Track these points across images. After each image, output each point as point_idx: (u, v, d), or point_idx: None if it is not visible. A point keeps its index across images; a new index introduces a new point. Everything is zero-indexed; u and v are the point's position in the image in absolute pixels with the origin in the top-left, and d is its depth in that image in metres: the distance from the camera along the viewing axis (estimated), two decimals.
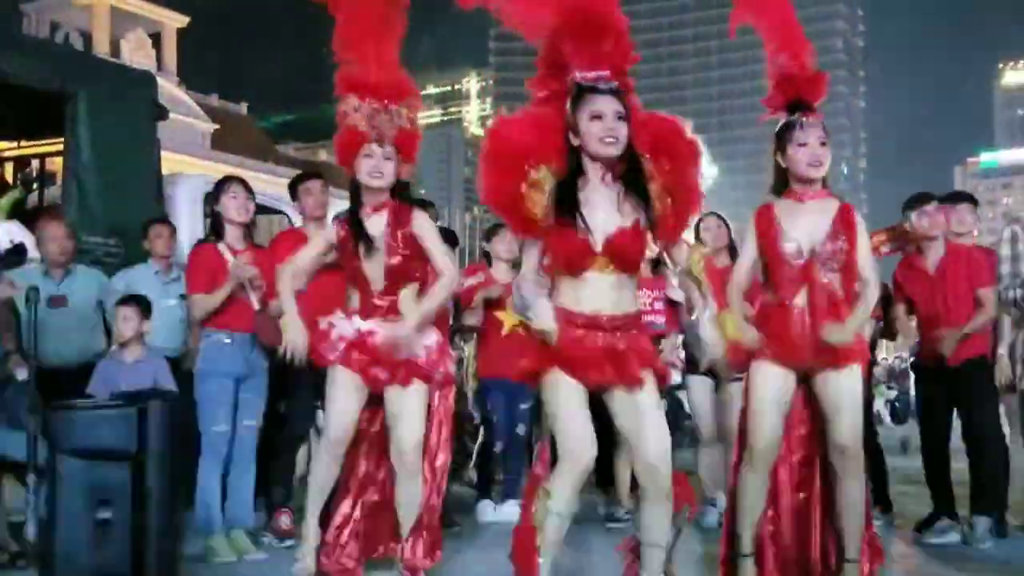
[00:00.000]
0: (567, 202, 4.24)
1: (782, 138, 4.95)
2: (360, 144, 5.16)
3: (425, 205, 8.22)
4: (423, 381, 5.26)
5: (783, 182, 5.02)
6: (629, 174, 4.31)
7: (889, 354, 31.25)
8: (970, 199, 7.78)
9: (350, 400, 5.24)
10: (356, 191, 5.26)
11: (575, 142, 4.28)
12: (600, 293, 4.29)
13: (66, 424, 5.13)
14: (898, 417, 26.09)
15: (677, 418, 10.46)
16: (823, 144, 4.88)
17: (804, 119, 4.89)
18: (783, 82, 5.02)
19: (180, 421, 5.52)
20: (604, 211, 4.28)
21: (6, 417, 5.97)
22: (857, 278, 4.88)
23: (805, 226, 4.87)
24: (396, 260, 5.19)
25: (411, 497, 5.28)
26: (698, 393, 7.82)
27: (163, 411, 5.14)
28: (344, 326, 5.22)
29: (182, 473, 5.66)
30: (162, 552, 4.82)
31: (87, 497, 4.63)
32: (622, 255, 4.27)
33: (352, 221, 5.22)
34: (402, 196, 5.35)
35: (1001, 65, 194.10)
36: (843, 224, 4.87)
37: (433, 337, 5.32)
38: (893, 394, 27.17)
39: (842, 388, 4.83)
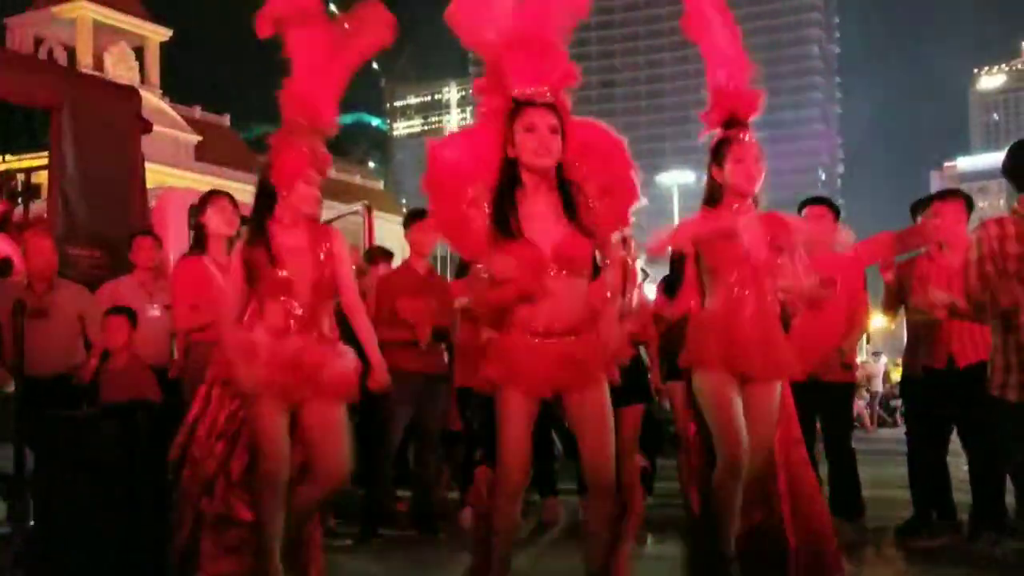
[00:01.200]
0: (507, 216, 4.34)
1: (719, 153, 5.02)
2: (303, 171, 4.99)
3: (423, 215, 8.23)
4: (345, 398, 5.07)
5: (718, 195, 5.08)
6: (564, 183, 4.44)
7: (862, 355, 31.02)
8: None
9: (283, 424, 4.94)
10: (270, 205, 5.03)
11: (512, 154, 4.40)
12: (554, 301, 4.36)
13: (56, 434, 5.12)
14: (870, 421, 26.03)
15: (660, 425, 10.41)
16: (758, 161, 4.98)
17: (742, 136, 4.99)
18: (720, 99, 5.10)
19: (168, 429, 5.50)
20: (546, 220, 4.39)
21: None
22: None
23: (746, 236, 4.96)
24: (322, 274, 5.02)
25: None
26: (679, 398, 7.82)
27: (151, 421, 5.14)
28: (266, 345, 4.90)
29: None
30: (153, 559, 4.81)
31: (77, 506, 4.61)
32: (571, 260, 4.38)
33: (262, 234, 4.98)
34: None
35: (976, 70, 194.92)
36: (777, 233, 5.00)
37: (352, 358, 5.12)
38: (866, 397, 27.04)
39: (767, 398, 4.95)
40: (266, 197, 5.05)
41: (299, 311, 4.94)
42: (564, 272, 4.38)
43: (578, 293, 4.44)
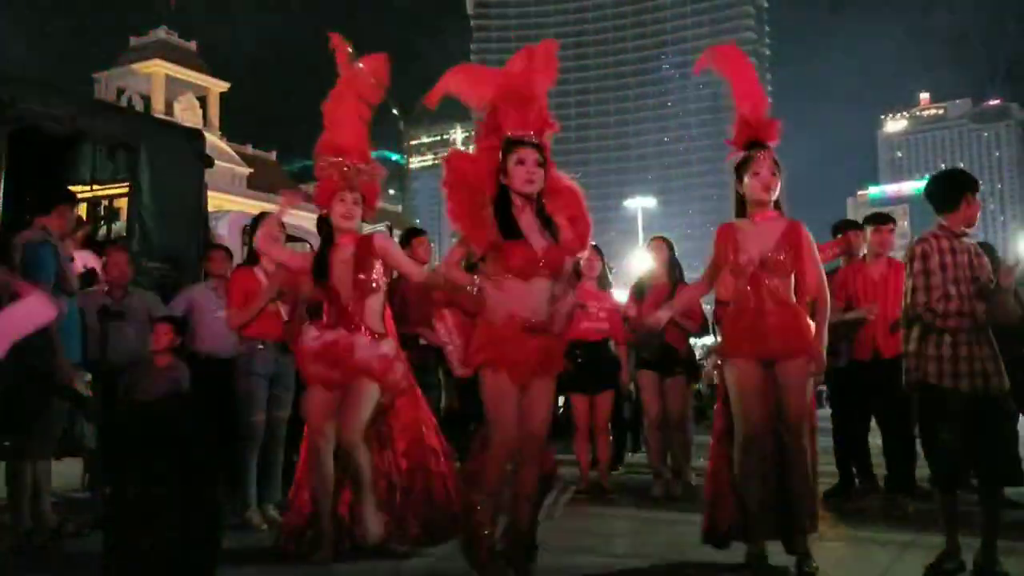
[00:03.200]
0: (511, 225, 4.44)
1: (740, 170, 4.91)
2: (335, 191, 5.21)
3: (420, 233, 8.20)
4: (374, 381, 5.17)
5: (743, 206, 4.97)
6: (543, 209, 4.55)
7: None
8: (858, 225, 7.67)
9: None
10: (328, 227, 5.27)
11: (504, 182, 4.50)
12: (538, 296, 4.44)
13: (129, 416, 5.04)
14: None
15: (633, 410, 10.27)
16: (773, 174, 4.84)
17: (758, 154, 4.85)
18: (743, 125, 4.98)
19: (224, 413, 5.44)
20: (534, 233, 4.47)
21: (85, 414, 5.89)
22: (806, 286, 4.81)
23: (757, 240, 4.81)
24: (361, 276, 5.15)
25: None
26: (647, 384, 7.77)
27: (206, 406, 5.07)
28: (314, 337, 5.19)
29: (223, 457, 5.58)
30: (208, 519, 4.70)
31: (145, 477, 4.52)
32: (556, 264, 4.46)
33: (322, 251, 5.27)
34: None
35: (883, 116, 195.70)
36: (790, 238, 4.80)
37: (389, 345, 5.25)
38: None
39: (791, 374, 4.71)
40: (327, 224, 5.30)
41: (347, 306, 5.14)
42: (545, 273, 4.44)
43: (548, 294, 4.48)
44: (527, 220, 4.49)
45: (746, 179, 4.87)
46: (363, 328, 5.13)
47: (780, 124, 4.99)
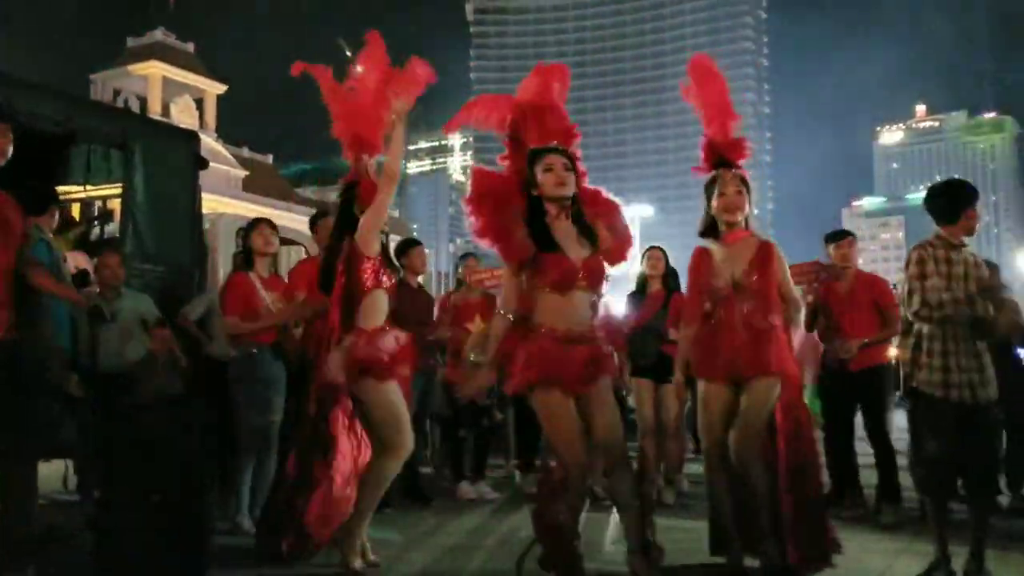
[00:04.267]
0: (546, 237, 4.38)
1: (708, 190, 4.94)
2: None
3: (416, 243, 8.23)
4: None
5: (712, 226, 4.98)
6: (579, 215, 4.48)
7: None
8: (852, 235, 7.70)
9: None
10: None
11: (535, 192, 4.44)
12: (578, 309, 4.39)
13: (123, 421, 5.03)
14: None
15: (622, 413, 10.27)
16: (739, 193, 4.86)
17: (724, 175, 4.88)
18: (710, 147, 5.00)
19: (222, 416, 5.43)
20: (571, 243, 4.41)
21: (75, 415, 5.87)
22: (778, 302, 4.77)
23: (729, 263, 4.82)
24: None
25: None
26: (640, 392, 7.76)
27: (200, 411, 5.05)
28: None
29: (215, 460, 5.57)
30: (200, 525, 4.70)
31: (139, 481, 4.50)
32: (596, 276, 4.43)
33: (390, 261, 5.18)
34: None
35: (878, 128, 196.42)
36: (761, 259, 4.81)
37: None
38: None
39: (750, 395, 4.68)
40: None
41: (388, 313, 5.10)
42: (584, 285, 4.40)
43: (588, 305, 4.45)
44: (563, 229, 4.45)
45: (713, 200, 4.91)
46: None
47: (747, 142, 5.03)
